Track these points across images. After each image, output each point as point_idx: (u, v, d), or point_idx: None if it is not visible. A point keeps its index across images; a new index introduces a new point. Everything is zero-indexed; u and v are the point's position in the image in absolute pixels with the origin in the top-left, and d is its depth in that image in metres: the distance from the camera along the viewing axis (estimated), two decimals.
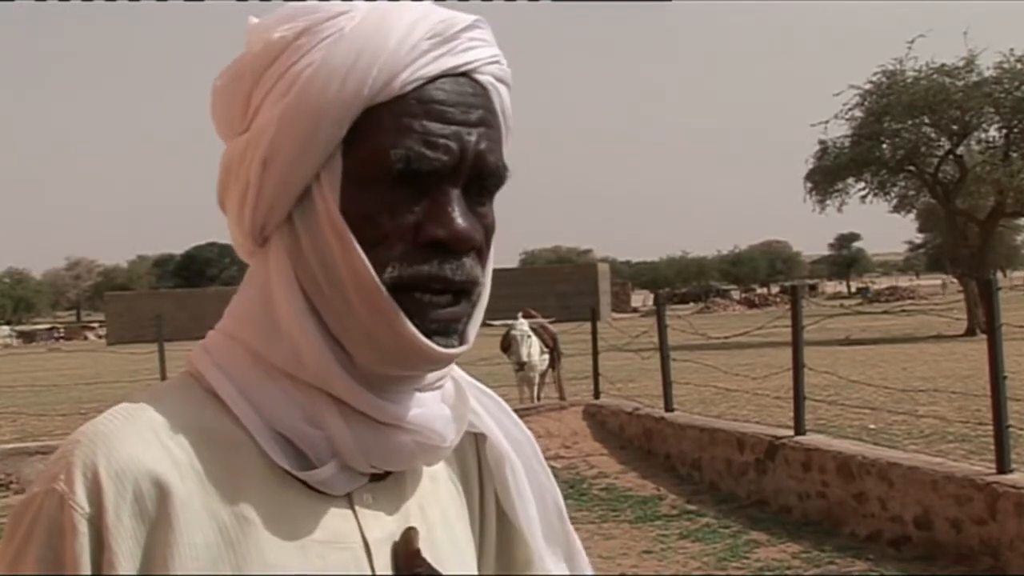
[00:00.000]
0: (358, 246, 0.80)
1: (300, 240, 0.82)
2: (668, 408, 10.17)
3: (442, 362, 0.84)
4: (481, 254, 0.84)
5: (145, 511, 0.76)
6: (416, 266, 0.80)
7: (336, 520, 0.84)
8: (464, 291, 0.83)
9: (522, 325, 12.94)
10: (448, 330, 0.82)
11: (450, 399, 0.91)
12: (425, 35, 0.82)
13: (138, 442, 0.78)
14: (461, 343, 0.84)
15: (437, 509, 0.92)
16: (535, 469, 0.98)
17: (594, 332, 12.53)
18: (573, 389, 14.10)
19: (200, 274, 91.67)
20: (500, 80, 0.87)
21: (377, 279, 0.80)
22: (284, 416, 0.82)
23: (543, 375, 13.56)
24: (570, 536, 1.01)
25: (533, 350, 12.90)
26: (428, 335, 0.81)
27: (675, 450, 9.58)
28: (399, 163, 0.79)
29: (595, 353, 12.46)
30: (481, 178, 0.83)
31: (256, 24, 0.86)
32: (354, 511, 0.85)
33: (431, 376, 0.86)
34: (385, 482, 0.88)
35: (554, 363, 13.63)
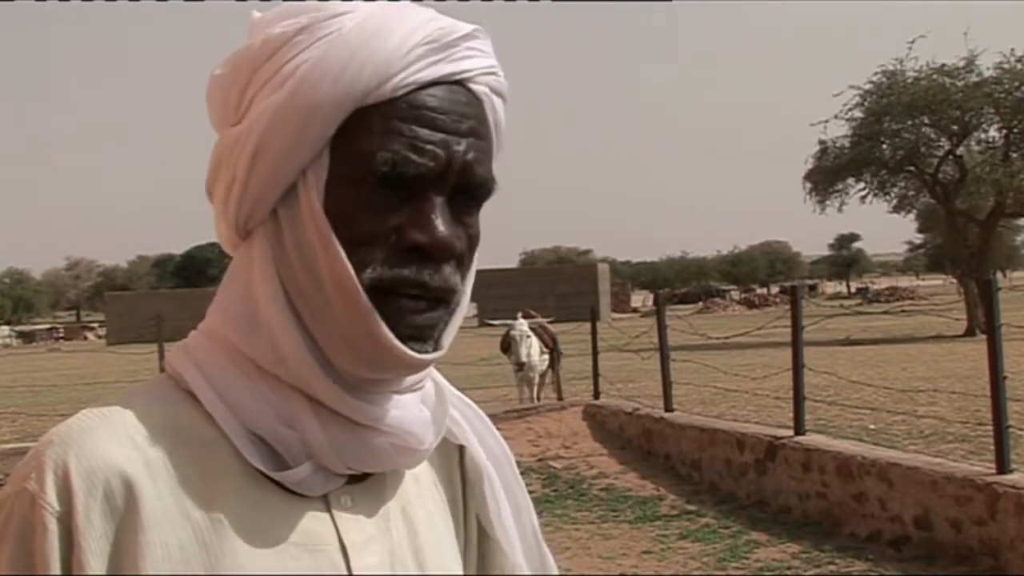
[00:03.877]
0: (339, 245, 0.80)
1: (283, 236, 0.82)
2: (668, 408, 10.16)
3: (416, 367, 0.83)
4: (462, 263, 0.84)
5: (115, 510, 0.76)
6: (396, 269, 0.80)
7: (312, 522, 0.83)
8: (442, 299, 0.83)
9: (522, 325, 12.94)
10: (423, 336, 0.82)
11: (430, 401, 0.91)
12: (422, 41, 0.82)
13: (110, 442, 0.78)
14: (436, 349, 0.84)
15: (422, 512, 0.91)
16: (511, 484, 0.98)
17: (594, 332, 12.52)
18: (573, 389, 14.11)
19: (200, 274, 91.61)
20: (495, 91, 0.87)
21: (356, 280, 0.80)
22: (259, 417, 0.82)
23: (543, 375, 13.56)
24: (543, 552, 1.00)
25: (533, 350, 12.89)
26: (403, 339, 0.81)
27: (675, 450, 9.58)
28: (384, 166, 0.79)
29: (595, 353, 12.45)
30: (468, 188, 0.83)
31: (258, 18, 0.86)
32: (331, 513, 0.85)
33: (409, 379, 0.86)
34: (365, 484, 0.87)
35: (554, 363, 13.63)
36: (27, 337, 70.19)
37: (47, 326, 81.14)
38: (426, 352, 0.83)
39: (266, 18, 0.85)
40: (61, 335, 73.94)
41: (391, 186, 0.80)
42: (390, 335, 0.80)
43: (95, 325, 78.41)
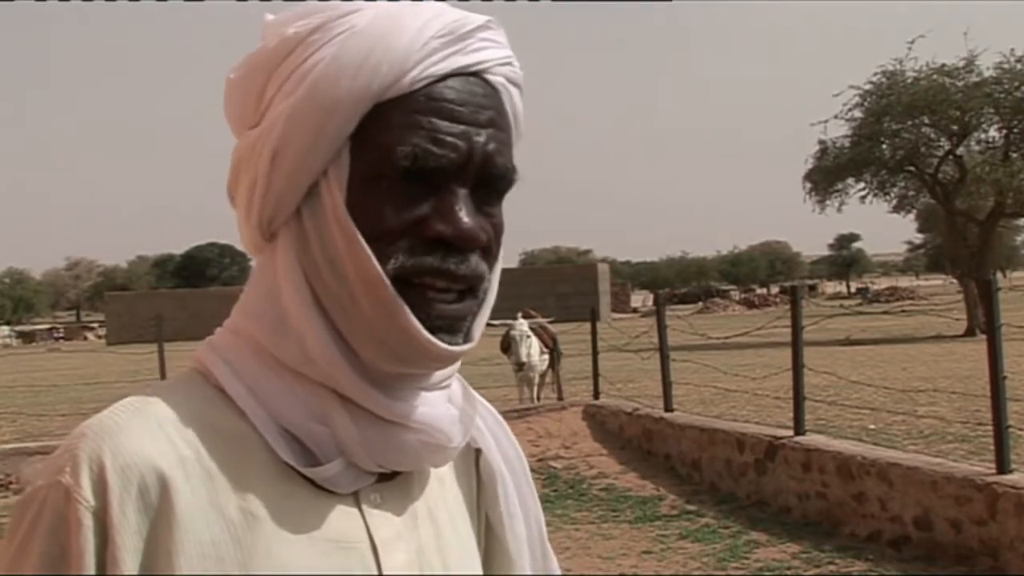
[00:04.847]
0: (363, 241, 0.80)
1: (308, 235, 0.82)
2: (668, 408, 10.17)
3: (447, 359, 0.83)
4: (488, 253, 0.84)
5: (150, 506, 0.76)
6: (419, 257, 0.80)
7: (343, 519, 0.84)
8: (470, 289, 0.83)
9: (522, 325, 12.93)
10: (453, 327, 0.82)
11: (457, 400, 0.91)
12: (436, 33, 0.82)
13: (144, 437, 0.78)
14: (466, 341, 0.84)
15: (445, 512, 0.92)
16: (523, 488, 0.99)
17: (594, 332, 12.52)
18: (573, 389, 14.10)
19: (200, 274, 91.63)
20: (512, 82, 0.87)
21: (382, 273, 0.80)
22: (291, 413, 0.82)
23: (543, 375, 13.56)
24: (548, 556, 1.01)
25: (533, 350, 12.89)
26: (432, 331, 0.81)
27: (675, 450, 9.58)
28: (406, 160, 0.79)
29: (595, 353, 12.45)
30: (490, 179, 0.83)
31: (271, 20, 0.86)
32: (361, 510, 0.85)
33: (437, 376, 0.86)
34: (393, 482, 0.88)
35: (554, 363, 13.63)
36: (27, 337, 70.17)
37: (47, 326, 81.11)
38: (456, 344, 0.83)
39: (279, 19, 0.85)
40: (61, 335, 73.89)
41: (413, 180, 0.80)
42: (419, 326, 0.80)
43: (95, 325, 78.37)
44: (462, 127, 0.81)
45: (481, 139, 0.82)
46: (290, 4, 0.86)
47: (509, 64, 0.87)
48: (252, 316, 0.86)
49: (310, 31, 0.82)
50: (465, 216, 0.81)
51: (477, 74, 0.84)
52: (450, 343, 0.82)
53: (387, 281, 0.80)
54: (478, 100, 0.83)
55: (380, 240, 0.80)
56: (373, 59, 0.80)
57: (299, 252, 0.83)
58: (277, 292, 0.84)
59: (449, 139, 0.80)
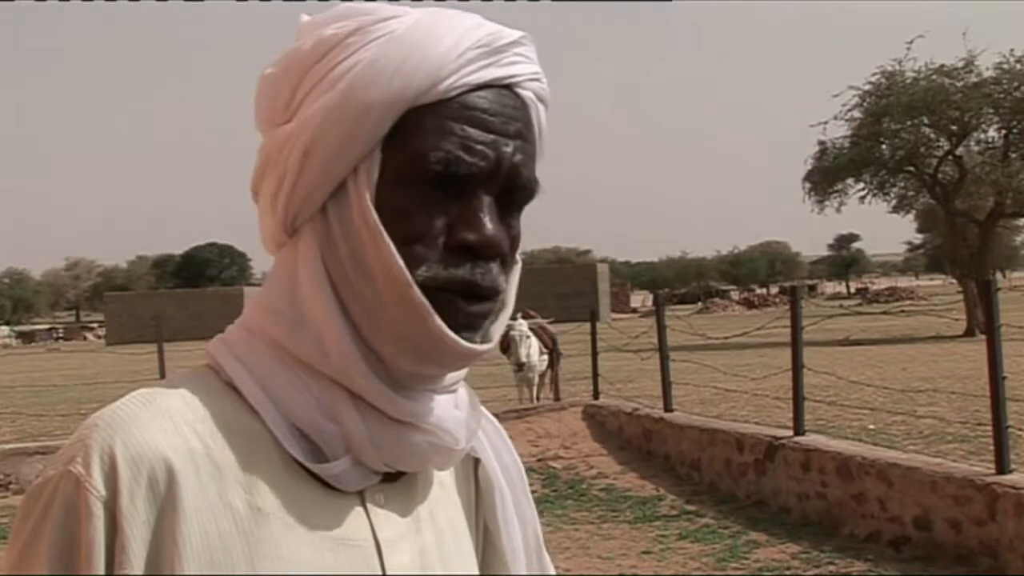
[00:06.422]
0: (388, 239, 0.81)
1: (332, 231, 0.83)
2: (667, 409, 10.17)
3: (468, 357, 0.84)
4: (505, 263, 0.86)
5: (158, 497, 0.77)
6: (451, 269, 0.82)
7: (348, 517, 0.85)
8: (489, 297, 0.84)
9: (521, 326, 12.92)
10: (473, 325, 0.84)
11: (464, 405, 0.92)
12: (474, 44, 0.84)
13: (155, 428, 0.79)
14: (484, 341, 0.85)
15: (445, 517, 0.93)
16: (519, 498, 1.00)
17: (593, 333, 12.53)
18: (572, 389, 14.11)
19: (200, 274, 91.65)
20: (539, 98, 0.89)
21: (408, 275, 0.81)
22: (301, 409, 0.83)
23: (543, 376, 13.56)
24: (544, 564, 1.02)
25: (532, 351, 12.89)
26: (455, 330, 0.82)
27: (674, 450, 9.58)
28: (437, 165, 0.81)
29: (594, 354, 12.45)
30: (513, 190, 0.85)
31: (308, 21, 0.88)
32: (366, 509, 0.86)
33: (448, 379, 0.87)
34: (397, 484, 0.89)
35: (553, 364, 13.63)
36: (27, 337, 70.14)
37: (47, 326, 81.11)
38: (475, 342, 0.84)
39: (316, 20, 0.87)
40: (61, 335, 73.89)
41: (442, 185, 0.82)
42: (442, 325, 0.81)
43: (95, 325, 78.34)
44: (492, 136, 0.83)
45: (509, 149, 0.83)
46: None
47: (538, 80, 0.88)
48: (269, 312, 0.87)
49: (348, 33, 0.84)
50: (490, 223, 0.82)
51: (509, 87, 0.85)
52: (470, 340, 0.83)
53: (413, 282, 0.81)
54: (508, 112, 0.84)
55: (407, 243, 0.81)
56: (410, 65, 0.82)
57: (322, 247, 0.84)
58: (296, 287, 0.85)
59: (479, 147, 0.82)
